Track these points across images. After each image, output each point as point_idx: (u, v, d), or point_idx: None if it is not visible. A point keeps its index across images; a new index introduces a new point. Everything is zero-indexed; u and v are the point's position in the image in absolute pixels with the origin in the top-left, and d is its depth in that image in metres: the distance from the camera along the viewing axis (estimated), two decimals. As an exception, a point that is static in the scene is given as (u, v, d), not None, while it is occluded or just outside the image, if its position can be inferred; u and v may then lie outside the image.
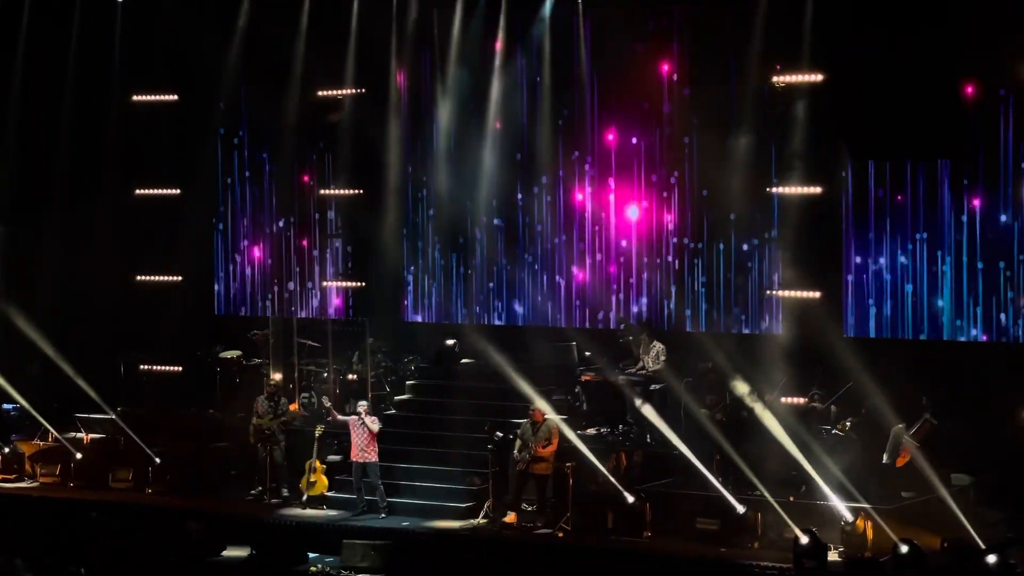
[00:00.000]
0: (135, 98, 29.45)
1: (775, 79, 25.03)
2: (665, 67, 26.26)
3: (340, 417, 25.41)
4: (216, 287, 30.00)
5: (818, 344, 24.07)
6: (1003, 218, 23.96)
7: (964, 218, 24.14)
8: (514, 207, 27.58)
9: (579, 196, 27.13)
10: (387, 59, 27.95)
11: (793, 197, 25.16)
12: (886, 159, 24.47)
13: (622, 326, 26.29)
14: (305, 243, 29.08)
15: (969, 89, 23.72)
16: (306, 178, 29.12)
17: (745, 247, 25.85)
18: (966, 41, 23.17)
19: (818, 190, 24.96)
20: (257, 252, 29.59)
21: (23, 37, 29.24)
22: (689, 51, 26.02)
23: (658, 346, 25.40)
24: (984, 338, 24.12)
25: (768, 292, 25.64)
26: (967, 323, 24.20)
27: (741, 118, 25.38)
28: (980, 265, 24.15)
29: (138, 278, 29.71)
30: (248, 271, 29.78)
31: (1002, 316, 24.00)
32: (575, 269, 27.09)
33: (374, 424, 24.88)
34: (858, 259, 24.91)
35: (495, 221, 27.63)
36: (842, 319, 24.97)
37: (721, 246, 26.04)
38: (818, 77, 24.63)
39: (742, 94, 25.39)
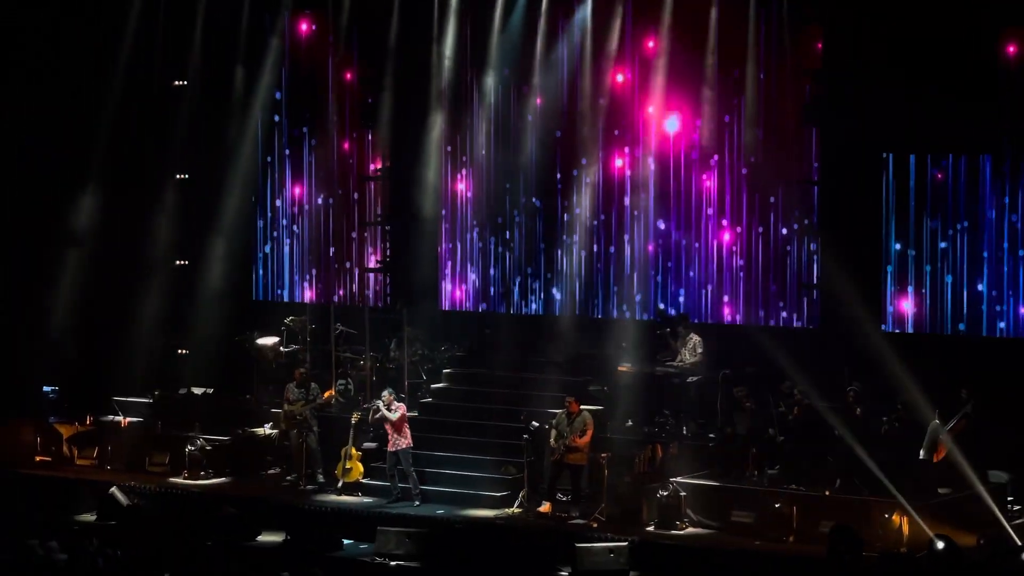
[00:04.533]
0: (177, 83, 29.52)
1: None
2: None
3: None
4: (254, 272, 30.06)
5: (855, 338, 23.91)
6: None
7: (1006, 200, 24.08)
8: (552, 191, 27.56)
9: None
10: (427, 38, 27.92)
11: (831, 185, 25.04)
12: (925, 152, 24.31)
13: (659, 318, 26.16)
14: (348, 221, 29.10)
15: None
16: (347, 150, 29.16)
17: (784, 231, 25.79)
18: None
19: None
20: (296, 236, 29.66)
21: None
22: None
23: (695, 338, 25.27)
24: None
25: (806, 284, 25.59)
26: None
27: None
28: (1022, 253, 24.05)
29: (177, 262, 29.76)
30: (287, 258, 29.82)
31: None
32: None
33: (392, 414, 24.87)
34: (898, 246, 24.79)
35: (534, 201, 27.62)
36: (880, 312, 24.84)
37: (760, 230, 25.97)
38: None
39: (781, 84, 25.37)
